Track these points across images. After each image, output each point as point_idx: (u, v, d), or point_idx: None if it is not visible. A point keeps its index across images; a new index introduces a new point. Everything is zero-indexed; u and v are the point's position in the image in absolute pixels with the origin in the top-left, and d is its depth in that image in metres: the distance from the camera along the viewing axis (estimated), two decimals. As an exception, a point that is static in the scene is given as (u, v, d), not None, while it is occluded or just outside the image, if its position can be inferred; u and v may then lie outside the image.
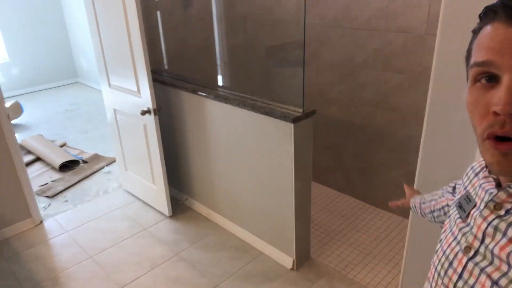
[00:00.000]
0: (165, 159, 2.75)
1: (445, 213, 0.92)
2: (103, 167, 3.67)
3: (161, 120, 2.65)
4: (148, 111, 2.51)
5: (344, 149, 3.00)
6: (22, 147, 4.04)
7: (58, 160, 3.64)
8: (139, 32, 2.30)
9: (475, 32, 0.53)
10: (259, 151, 2.22)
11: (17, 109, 4.80)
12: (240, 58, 3.14)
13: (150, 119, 2.54)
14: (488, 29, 0.49)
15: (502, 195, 0.55)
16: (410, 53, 2.39)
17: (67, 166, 3.67)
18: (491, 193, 0.57)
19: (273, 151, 2.14)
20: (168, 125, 2.84)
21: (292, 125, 1.94)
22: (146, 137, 2.67)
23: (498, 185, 0.57)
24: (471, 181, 0.68)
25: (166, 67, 3.12)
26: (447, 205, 0.90)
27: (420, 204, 1.06)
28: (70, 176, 3.53)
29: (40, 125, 4.80)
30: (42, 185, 3.39)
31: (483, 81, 0.50)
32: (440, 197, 0.96)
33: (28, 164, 3.76)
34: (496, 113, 0.47)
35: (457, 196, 0.71)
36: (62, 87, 6.33)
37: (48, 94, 6.01)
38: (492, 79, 0.48)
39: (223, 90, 2.43)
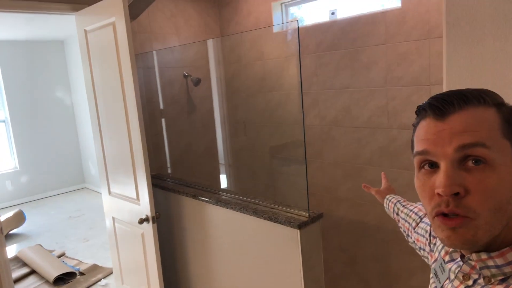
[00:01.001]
0: (164, 270, 2.54)
1: (405, 232, 1.00)
2: (100, 280, 3.42)
3: (160, 228, 2.51)
4: (147, 219, 2.39)
5: (359, 253, 2.76)
6: (18, 259, 3.84)
7: (53, 273, 3.41)
8: (141, 141, 2.31)
9: (414, 126, 0.62)
10: (263, 259, 2.03)
11: (20, 218, 4.70)
12: (242, 160, 3.11)
13: (148, 228, 2.40)
14: (423, 123, 0.59)
15: (466, 268, 0.60)
16: (416, 149, 2.32)
17: (63, 279, 3.43)
18: (459, 265, 0.61)
19: (279, 260, 1.94)
20: (167, 232, 2.69)
21: (298, 231, 1.79)
22: (144, 247, 2.50)
23: (463, 256, 0.62)
24: (444, 247, 0.70)
25: (169, 171, 3.09)
26: (408, 235, 0.98)
27: (394, 212, 1.09)
28: (64, 291, 3.26)
29: (42, 234, 4.64)
30: (32, 303, 3.12)
31: (426, 167, 0.57)
32: (405, 220, 1.00)
33: (22, 277, 3.53)
34: (439, 195, 0.54)
35: (433, 261, 0.74)
36: (70, 193, 6.32)
37: (54, 201, 5.97)
38: (433, 165, 0.56)
39: (225, 194, 2.33)
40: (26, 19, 4.44)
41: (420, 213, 0.96)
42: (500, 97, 0.58)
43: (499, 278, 0.56)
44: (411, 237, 0.97)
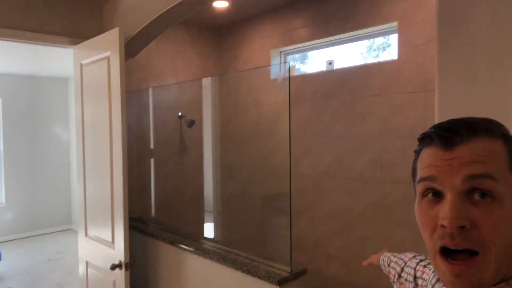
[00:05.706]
0: (134, 324, 2.31)
1: (392, 279, 0.95)
2: (67, 330, 3.13)
3: (135, 274, 2.32)
4: (119, 265, 2.20)
5: (349, 317, 2.53)
6: (-16, 302, 3.57)
7: (18, 320, 3.14)
8: (122, 183, 2.19)
9: (417, 152, 0.59)
10: (241, 319, 1.82)
11: (-5, 257, 4.45)
12: (231, 208, 2.96)
13: (120, 275, 2.21)
14: (428, 151, 0.56)
15: None
16: (411, 205, 2.19)
17: (28, 327, 3.15)
18: None
19: (257, 321, 1.74)
20: (142, 280, 2.48)
21: (277, 288, 1.62)
22: (114, 296, 2.29)
23: None
24: (433, 286, 0.67)
25: (153, 214, 2.94)
26: (394, 282, 0.94)
27: (386, 264, 1.03)
28: None
29: (16, 276, 4.36)
30: None
31: (430, 196, 0.54)
32: (393, 268, 0.95)
33: (-16, 323, 3.25)
34: (444, 226, 0.51)
35: None
36: (54, 234, 6.07)
37: (37, 241, 5.72)
38: (437, 195, 0.53)
39: (207, 242, 2.17)
40: (33, 56, 4.51)
41: (406, 259, 0.93)
42: (506, 128, 0.55)
43: None
44: (396, 284, 0.93)
